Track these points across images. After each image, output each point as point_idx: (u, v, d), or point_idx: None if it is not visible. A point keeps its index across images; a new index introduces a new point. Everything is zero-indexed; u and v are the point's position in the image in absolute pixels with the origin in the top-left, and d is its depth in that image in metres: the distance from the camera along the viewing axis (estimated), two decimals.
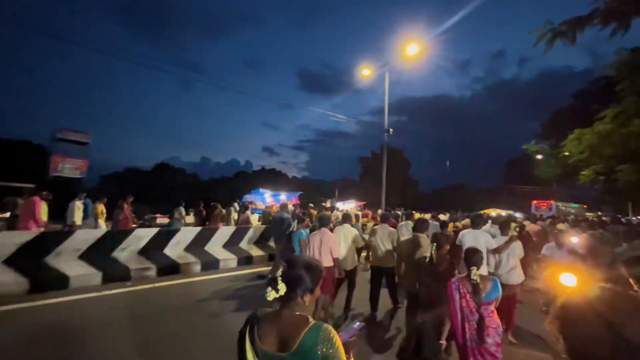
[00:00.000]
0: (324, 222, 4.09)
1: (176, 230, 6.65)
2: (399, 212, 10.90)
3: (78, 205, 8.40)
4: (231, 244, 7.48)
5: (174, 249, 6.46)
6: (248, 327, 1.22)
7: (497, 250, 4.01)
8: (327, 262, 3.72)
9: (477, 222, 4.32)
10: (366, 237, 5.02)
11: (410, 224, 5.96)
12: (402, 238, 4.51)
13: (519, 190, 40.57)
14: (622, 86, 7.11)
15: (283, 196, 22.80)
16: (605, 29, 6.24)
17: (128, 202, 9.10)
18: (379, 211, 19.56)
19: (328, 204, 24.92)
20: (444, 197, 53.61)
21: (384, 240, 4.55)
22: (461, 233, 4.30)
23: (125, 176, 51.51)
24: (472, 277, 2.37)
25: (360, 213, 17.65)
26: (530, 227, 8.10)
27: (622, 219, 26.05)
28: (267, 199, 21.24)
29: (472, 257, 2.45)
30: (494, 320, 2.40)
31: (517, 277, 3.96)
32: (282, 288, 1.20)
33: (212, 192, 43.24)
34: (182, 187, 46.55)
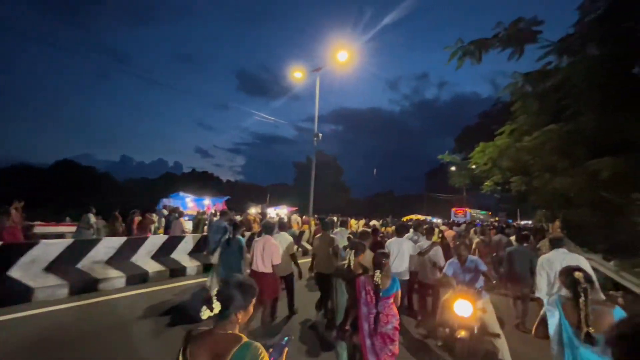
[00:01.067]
0: (267, 229, 4.17)
1: (32, 244, 5.08)
2: (334, 219, 11.00)
3: None
4: (119, 259, 6.12)
5: (28, 269, 4.90)
6: (182, 348, 1.26)
7: (421, 254, 4.61)
8: (269, 269, 3.90)
9: (401, 231, 4.84)
10: (304, 244, 5.11)
11: (345, 230, 6.09)
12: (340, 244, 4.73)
13: (437, 198, 45.14)
14: (516, 106, 8.00)
15: (207, 201, 20.99)
16: (504, 52, 6.93)
17: (17, 206, 6.92)
18: (303, 217, 19.40)
19: (258, 210, 23.93)
20: (374, 203, 56.74)
21: (325, 247, 4.71)
22: (388, 242, 4.77)
23: (13, 174, 42.17)
24: (375, 278, 2.73)
25: (299, 219, 17.37)
26: (447, 232, 8.83)
27: (514, 223, 30.81)
28: (188, 203, 19.25)
29: (378, 261, 2.84)
30: (392, 310, 2.80)
31: (436, 275, 4.59)
32: (217, 307, 1.26)
33: (128, 196, 38.06)
34: (90, 188, 39.93)
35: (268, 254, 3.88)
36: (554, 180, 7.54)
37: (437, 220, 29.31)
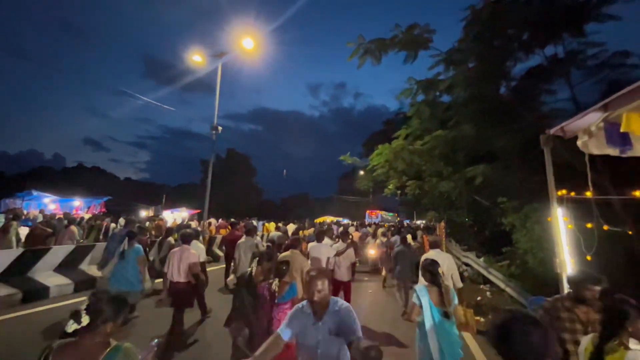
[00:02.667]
0: (186, 238, 4.23)
1: None
2: (253, 222, 10.48)
3: None
4: None
5: None
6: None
7: (337, 254, 5.08)
8: (186, 278, 3.95)
9: (320, 237, 5.32)
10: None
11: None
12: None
13: (348, 200, 47.55)
14: (411, 112, 8.25)
15: (78, 202, 17.06)
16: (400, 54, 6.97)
17: None
18: (219, 220, 17.61)
19: (150, 212, 20.62)
20: (289, 205, 56.52)
21: (247, 252, 5.03)
22: (309, 246, 5.24)
23: None
24: (272, 285, 2.83)
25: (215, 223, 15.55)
26: (354, 233, 9.63)
27: (410, 223, 34.32)
28: (49, 204, 15.23)
29: (278, 270, 2.93)
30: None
31: (348, 274, 5.20)
32: (86, 320, 1.31)
33: None
34: None
35: (185, 264, 3.94)
36: (440, 185, 8.00)
37: (347, 222, 30.65)
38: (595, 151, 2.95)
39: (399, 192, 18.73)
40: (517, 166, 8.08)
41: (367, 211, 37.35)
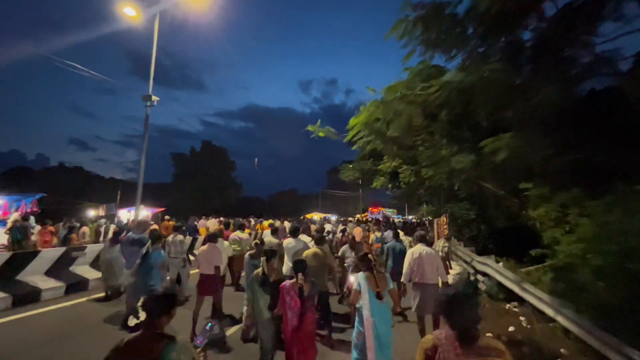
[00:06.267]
0: (213, 237, 4.87)
1: None
2: (246, 221, 11.82)
3: None
4: None
5: None
6: (112, 353, 1.44)
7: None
8: (211, 271, 4.50)
9: (295, 233, 5.48)
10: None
11: (242, 234, 6.84)
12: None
13: (337, 195, 45.10)
14: (406, 57, 5.68)
15: (1, 201, 14.42)
16: None
17: None
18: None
19: (100, 211, 17.79)
20: (277, 202, 53.73)
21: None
22: (285, 242, 5.36)
23: None
24: (298, 281, 2.95)
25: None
26: (355, 229, 9.59)
27: (402, 218, 32.08)
28: None
29: (298, 266, 3.07)
30: (313, 313, 3.10)
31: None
32: (142, 315, 1.55)
33: None
34: None
35: (211, 258, 4.50)
36: (454, 159, 5.49)
37: (334, 218, 28.41)
38: None
39: (389, 185, 16.24)
40: (545, 138, 5.68)
41: (370, 208, 37.17)
